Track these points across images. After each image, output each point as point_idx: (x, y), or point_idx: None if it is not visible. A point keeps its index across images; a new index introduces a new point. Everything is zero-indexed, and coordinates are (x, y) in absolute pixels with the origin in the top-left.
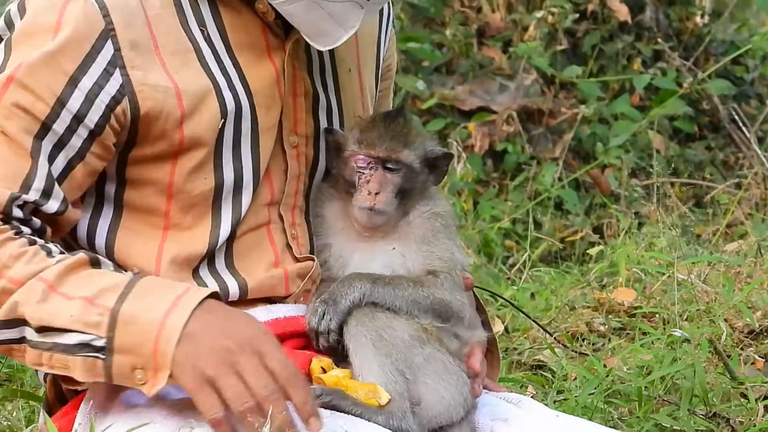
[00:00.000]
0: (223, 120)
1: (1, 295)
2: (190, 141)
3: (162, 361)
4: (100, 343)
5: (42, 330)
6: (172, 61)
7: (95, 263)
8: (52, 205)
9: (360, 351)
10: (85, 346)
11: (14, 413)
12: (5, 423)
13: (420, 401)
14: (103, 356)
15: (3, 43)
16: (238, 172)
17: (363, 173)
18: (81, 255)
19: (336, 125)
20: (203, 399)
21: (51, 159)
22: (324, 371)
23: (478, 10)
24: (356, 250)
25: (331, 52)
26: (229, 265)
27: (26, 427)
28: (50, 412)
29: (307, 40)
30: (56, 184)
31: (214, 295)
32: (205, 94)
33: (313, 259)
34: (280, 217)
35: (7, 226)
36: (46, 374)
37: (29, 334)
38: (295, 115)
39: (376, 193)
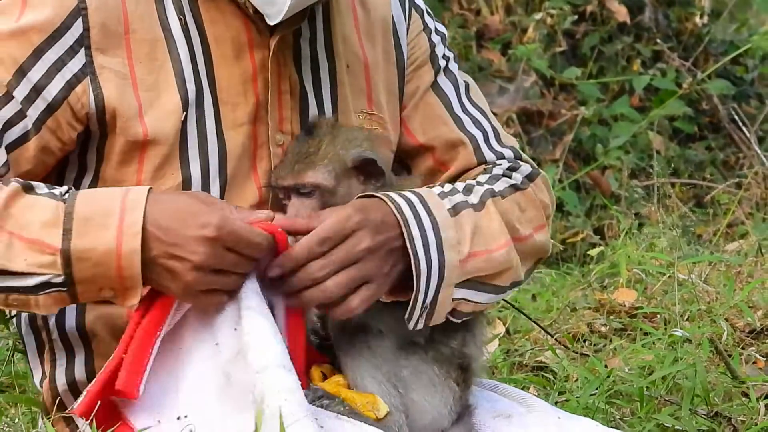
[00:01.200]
0: (185, 113)
1: None
2: (154, 133)
3: (130, 283)
4: (59, 280)
5: None
6: (138, 48)
7: (28, 188)
8: None
9: (351, 364)
10: (45, 285)
11: (16, 420)
12: (8, 429)
13: (407, 414)
14: (65, 289)
15: None
16: (204, 167)
17: (284, 202)
18: (12, 183)
19: None
20: (200, 304)
21: (7, 125)
22: (325, 377)
23: (477, 13)
24: None
25: (328, 48)
26: None
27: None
28: (48, 417)
29: (259, 9)
30: (2, 148)
31: (150, 189)
32: (164, 86)
33: None
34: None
35: None
36: (42, 380)
37: None
38: (281, 113)
39: None
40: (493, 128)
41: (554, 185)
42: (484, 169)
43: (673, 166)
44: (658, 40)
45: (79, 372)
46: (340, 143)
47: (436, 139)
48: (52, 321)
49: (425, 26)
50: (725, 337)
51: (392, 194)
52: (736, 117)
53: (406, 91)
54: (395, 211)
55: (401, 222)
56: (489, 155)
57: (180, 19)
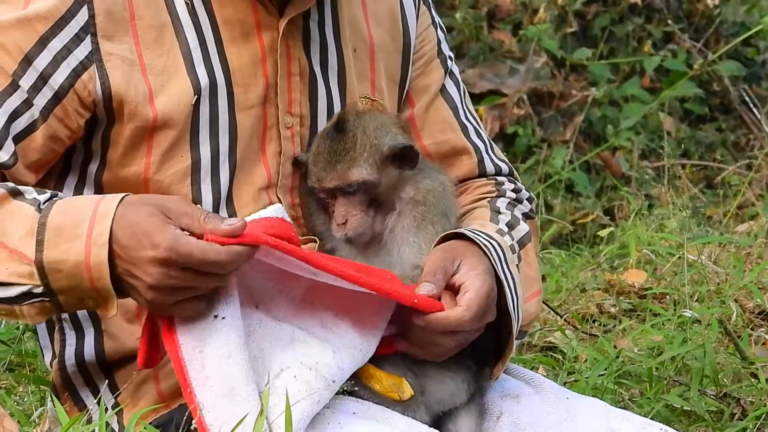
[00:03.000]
0: (196, 96)
1: None
2: (164, 118)
3: (106, 294)
4: (40, 290)
5: None
6: (145, 34)
7: (15, 193)
8: (1, 156)
9: None
10: (28, 295)
11: (25, 398)
12: (17, 407)
13: (424, 391)
14: (48, 299)
15: None
16: (214, 149)
17: (328, 203)
18: (0, 190)
19: (336, 105)
20: (178, 313)
21: (14, 115)
22: None
23: None
24: (358, 256)
25: (335, 31)
26: None
27: (36, 411)
28: (58, 396)
29: None
30: (10, 139)
31: (122, 199)
32: (173, 71)
33: (315, 241)
34: (279, 199)
35: None
36: (52, 360)
37: None
38: (290, 95)
39: (344, 222)
40: (488, 139)
41: (564, 166)
42: (497, 191)
43: (683, 147)
44: (669, 21)
45: (89, 352)
46: (372, 133)
47: (443, 144)
48: None
49: (433, 20)
50: (734, 318)
51: (492, 250)
52: (747, 98)
53: (416, 85)
54: (500, 273)
55: (505, 284)
56: (489, 167)
57: (187, 3)
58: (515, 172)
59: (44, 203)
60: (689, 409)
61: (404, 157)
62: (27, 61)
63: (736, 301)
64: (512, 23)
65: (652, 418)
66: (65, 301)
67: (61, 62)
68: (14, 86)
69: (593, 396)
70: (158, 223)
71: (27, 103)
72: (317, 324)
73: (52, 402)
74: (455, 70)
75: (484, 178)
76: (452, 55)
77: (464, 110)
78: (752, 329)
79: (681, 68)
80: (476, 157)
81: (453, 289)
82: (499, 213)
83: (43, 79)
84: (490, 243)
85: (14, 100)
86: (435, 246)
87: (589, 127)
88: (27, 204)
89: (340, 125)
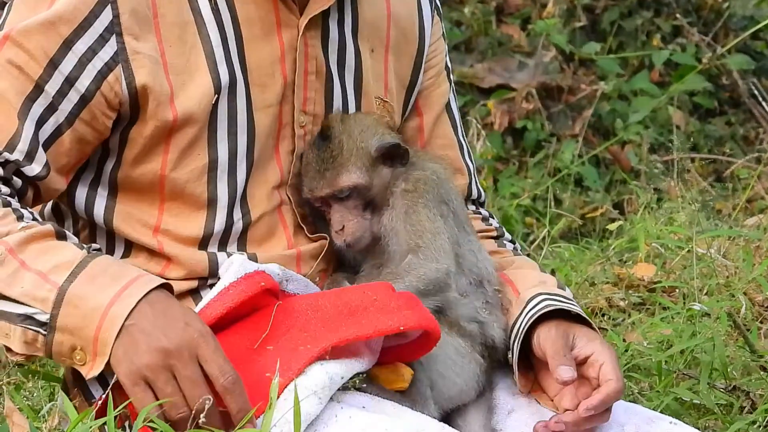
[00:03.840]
0: (216, 95)
1: None
2: (184, 117)
3: (102, 349)
4: (44, 318)
5: None
6: (168, 32)
7: (61, 236)
8: (33, 169)
9: None
10: (28, 318)
11: (35, 393)
12: (26, 402)
13: (432, 387)
14: (44, 332)
15: (7, 4)
16: (232, 148)
17: (324, 211)
18: (48, 226)
19: (351, 106)
20: (138, 396)
21: (40, 122)
22: None
23: None
24: (361, 256)
25: (354, 31)
26: (242, 250)
27: (45, 406)
28: (68, 393)
29: None
30: (40, 149)
31: (166, 286)
32: (194, 69)
33: (325, 238)
34: (289, 198)
35: None
36: None
37: None
38: (305, 93)
39: (341, 229)
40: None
41: (574, 160)
42: (495, 230)
43: (692, 141)
44: (678, 15)
45: None
46: (357, 136)
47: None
48: None
49: (443, 32)
50: (743, 312)
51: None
52: (756, 92)
53: (427, 96)
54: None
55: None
56: (475, 191)
57: (210, 1)
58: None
59: (91, 249)
60: (698, 402)
61: (394, 155)
62: (52, 65)
63: (745, 294)
64: (521, 18)
65: (661, 412)
66: (58, 342)
67: (87, 65)
68: (40, 92)
69: None
70: (202, 323)
71: (53, 109)
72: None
73: (62, 397)
74: (452, 80)
75: (472, 206)
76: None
77: (461, 128)
78: (761, 322)
79: (690, 62)
80: (468, 179)
81: (577, 362)
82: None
83: (69, 83)
84: (576, 305)
85: (41, 107)
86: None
87: (598, 121)
88: (72, 245)
89: (325, 133)
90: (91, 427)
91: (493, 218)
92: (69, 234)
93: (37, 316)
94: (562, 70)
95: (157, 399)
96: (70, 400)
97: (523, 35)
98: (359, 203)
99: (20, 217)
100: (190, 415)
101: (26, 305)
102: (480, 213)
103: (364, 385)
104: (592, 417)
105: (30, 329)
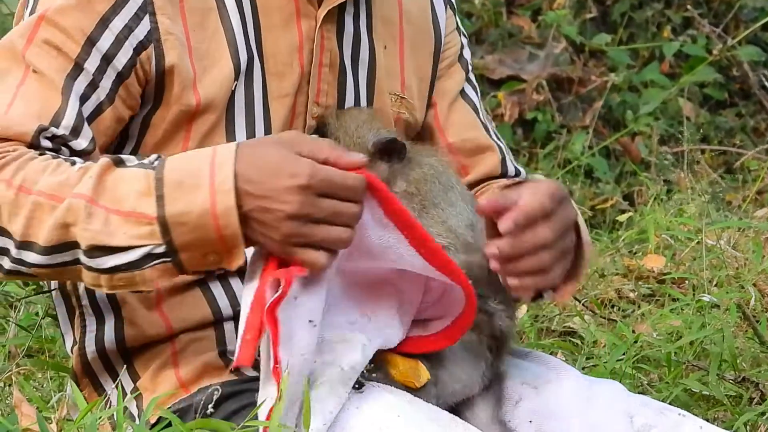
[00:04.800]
0: (236, 82)
1: (35, 211)
2: (206, 103)
3: (232, 244)
4: (161, 249)
5: (94, 249)
6: (191, 17)
7: (119, 162)
8: (80, 143)
9: None
10: (148, 257)
11: (44, 384)
12: (36, 393)
13: (437, 382)
14: (169, 258)
15: None
16: (250, 137)
17: None
18: (104, 159)
19: (362, 100)
20: (304, 257)
21: (83, 99)
22: None
23: None
24: None
25: (369, 26)
26: None
27: (54, 396)
28: (77, 382)
29: None
30: (86, 123)
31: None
32: (216, 55)
33: None
34: None
35: (30, 150)
36: (72, 346)
37: (81, 255)
38: (318, 85)
39: None
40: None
41: (584, 152)
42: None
43: (702, 132)
44: (689, 7)
45: (109, 339)
46: (354, 132)
47: (468, 141)
48: (82, 287)
49: (457, 26)
50: (753, 303)
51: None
52: (767, 83)
53: (438, 87)
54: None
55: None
56: (511, 168)
57: None
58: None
59: (154, 162)
60: (708, 393)
61: (391, 150)
62: (90, 43)
63: (755, 285)
64: (531, 9)
65: (670, 403)
66: (187, 258)
67: (124, 42)
68: (80, 70)
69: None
70: (291, 156)
71: (93, 86)
72: (355, 311)
73: (71, 388)
74: (473, 77)
75: (505, 180)
76: (471, 62)
77: (483, 112)
78: None
79: (700, 53)
80: (500, 155)
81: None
82: None
83: (107, 60)
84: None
85: (82, 84)
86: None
87: (608, 113)
88: (134, 168)
89: (321, 130)
90: (101, 417)
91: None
92: (124, 156)
93: (154, 251)
94: (572, 61)
95: (319, 248)
96: (80, 390)
97: (533, 26)
98: None
99: (73, 163)
100: (352, 233)
101: (138, 247)
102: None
103: (374, 375)
104: (525, 238)
105: (157, 264)
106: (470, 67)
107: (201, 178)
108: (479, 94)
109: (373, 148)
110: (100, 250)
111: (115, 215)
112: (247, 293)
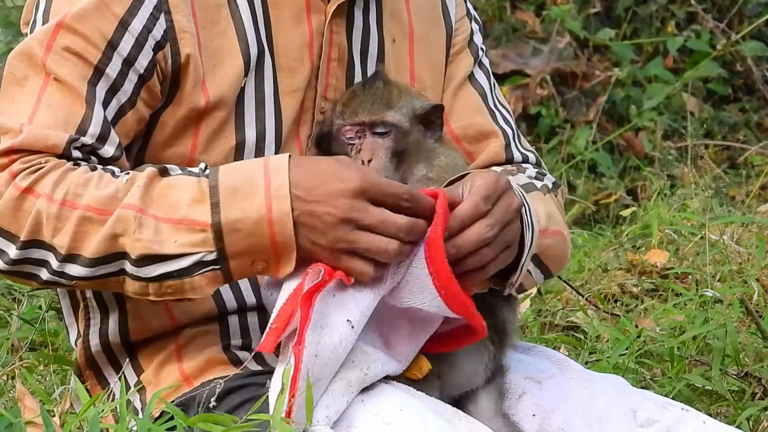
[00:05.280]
0: (245, 78)
1: (83, 225)
2: (215, 100)
3: (285, 251)
4: (212, 257)
5: (143, 259)
6: (201, 14)
7: (164, 172)
8: (107, 150)
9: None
10: (198, 264)
11: (47, 377)
12: (39, 386)
13: (440, 374)
14: (218, 266)
15: None
16: (260, 132)
17: (353, 144)
18: (149, 169)
19: None
20: (350, 266)
21: (105, 104)
22: None
23: None
24: None
25: (378, 21)
26: None
27: (57, 389)
28: (81, 375)
29: None
30: (111, 129)
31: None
32: (226, 53)
33: None
34: None
35: (64, 160)
36: (76, 339)
37: (128, 266)
38: (327, 80)
39: (369, 161)
40: (517, 130)
41: (588, 147)
42: (518, 168)
43: (706, 127)
44: (693, 2)
45: (113, 332)
46: (405, 90)
47: (471, 127)
48: None
49: (468, 12)
50: (756, 298)
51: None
52: None
53: (447, 71)
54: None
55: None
56: (516, 154)
57: None
58: (543, 163)
59: (204, 170)
60: (710, 388)
61: (431, 122)
62: (111, 47)
63: (758, 280)
64: (535, 4)
65: (673, 398)
66: (236, 266)
67: (144, 44)
68: (101, 75)
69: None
70: (341, 165)
71: (115, 90)
72: (376, 336)
73: (74, 381)
74: (485, 62)
75: (509, 166)
76: (484, 48)
77: (493, 98)
78: None
79: (704, 48)
80: (503, 141)
81: None
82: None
83: (128, 63)
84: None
85: (103, 90)
86: None
87: (612, 108)
88: (183, 176)
89: (379, 75)
90: (103, 410)
91: (530, 165)
92: (168, 165)
93: (205, 258)
94: (576, 56)
95: (364, 259)
96: (83, 384)
97: (537, 21)
98: (391, 147)
99: (113, 173)
100: (399, 246)
101: (189, 255)
102: (519, 165)
103: None
104: (464, 238)
105: (206, 271)
106: (482, 53)
107: (256, 185)
108: (492, 80)
109: (420, 110)
110: (149, 259)
111: (165, 224)
112: (286, 288)
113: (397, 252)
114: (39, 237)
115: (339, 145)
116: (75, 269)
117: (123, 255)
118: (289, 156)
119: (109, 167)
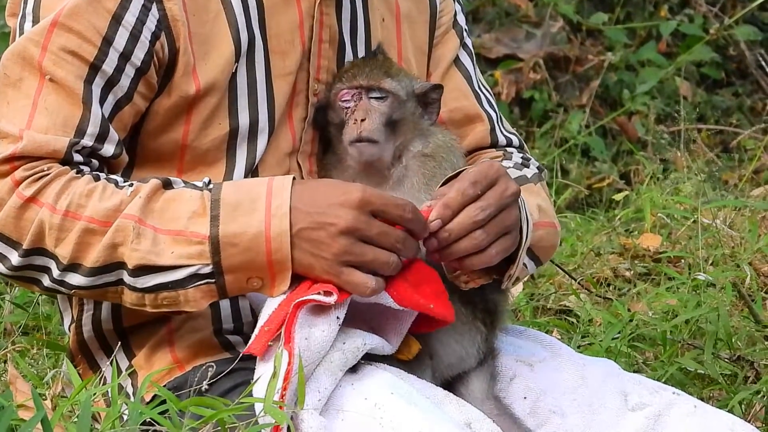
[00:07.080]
0: (236, 64)
1: (85, 236)
2: (206, 87)
3: (280, 268)
4: (207, 270)
5: (140, 269)
6: (191, 1)
7: (167, 184)
8: (108, 149)
9: None
10: (193, 277)
11: (40, 361)
12: (31, 369)
13: (432, 355)
14: (213, 280)
15: None
16: (253, 117)
17: (349, 107)
18: (153, 181)
19: None
20: (351, 278)
21: (102, 101)
22: None
23: None
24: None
25: (364, 1)
26: None
27: (49, 373)
28: (73, 360)
29: None
30: (110, 127)
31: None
32: (217, 39)
33: None
34: (299, 165)
35: (67, 167)
36: (70, 324)
37: (126, 276)
38: (319, 62)
39: (362, 120)
40: (499, 112)
41: (581, 131)
42: (503, 154)
43: (699, 111)
44: None
45: (106, 318)
46: (404, 69)
47: (457, 111)
48: None
49: None
50: (748, 282)
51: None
52: (763, 63)
53: (433, 53)
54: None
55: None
56: (501, 138)
57: None
58: (525, 146)
59: (208, 185)
60: (703, 372)
61: (429, 101)
62: (107, 42)
63: (750, 264)
64: None
65: (665, 382)
66: (231, 281)
67: (139, 37)
68: (97, 71)
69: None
70: (344, 183)
71: (111, 85)
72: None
73: (66, 365)
74: (468, 42)
75: (494, 150)
76: (467, 28)
77: (477, 81)
78: (766, 293)
79: (697, 33)
80: (488, 125)
81: None
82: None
83: (125, 58)
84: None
85: (99, 87)
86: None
87: (605, 92)
88: (186, 188)
89: (380, 49)
90: (95, 394)
91: (522, 153)
92: (172, 178)
93: (200, 271)
94: (569, 40)
95: (363, 270)
96: (75, 367)
97: (530, 5)
98: (386, 113)
99: (117, 184)
100: (399, 259)
101: (184, 267)
102: (504, 150)
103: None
104: (456, 222)
105: (200, 284)
106: (465, 33)
107: (258, 202)
108: (474, 60)
109: (420, 89)
110: (145, 270)
111: (164, 235)
112: (277, 297)
113: (397, 265)
114: (41, 245)
115: (335, 111)
116: (75, 278)
117: (121, 265)
118: (293, 177)
119: (113, 177)
